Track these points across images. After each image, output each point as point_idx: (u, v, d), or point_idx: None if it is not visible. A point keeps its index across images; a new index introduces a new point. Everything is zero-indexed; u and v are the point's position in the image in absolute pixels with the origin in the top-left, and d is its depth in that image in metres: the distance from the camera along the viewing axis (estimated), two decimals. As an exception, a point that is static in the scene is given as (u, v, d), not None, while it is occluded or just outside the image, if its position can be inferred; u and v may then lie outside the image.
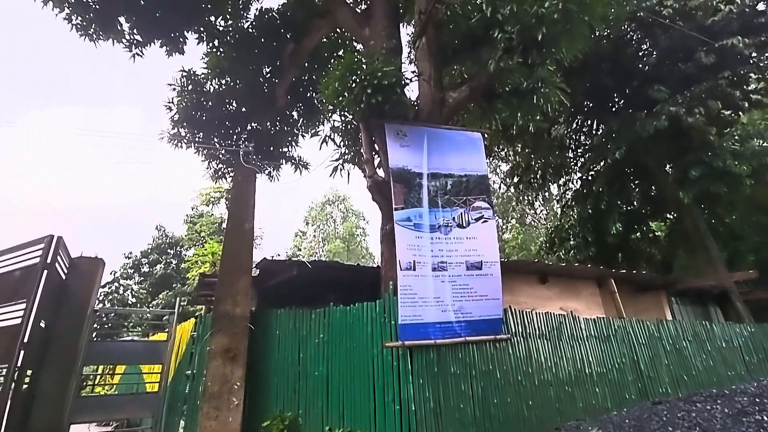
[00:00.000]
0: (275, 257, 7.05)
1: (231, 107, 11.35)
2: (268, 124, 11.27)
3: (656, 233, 15.04)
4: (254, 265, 6.95)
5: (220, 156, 11.57)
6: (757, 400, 4.48)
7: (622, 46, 13.13)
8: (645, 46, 13.12)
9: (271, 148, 11.36)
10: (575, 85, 10.51)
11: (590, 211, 13.49)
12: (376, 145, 6.75)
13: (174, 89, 10.93)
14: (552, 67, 7.02)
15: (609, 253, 13.04)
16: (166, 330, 8.34)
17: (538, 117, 7.12)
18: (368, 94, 6.03)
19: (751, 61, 11.96)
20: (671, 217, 14.81)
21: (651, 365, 7.07)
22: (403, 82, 6.13)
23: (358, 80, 6.17)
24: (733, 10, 11.38)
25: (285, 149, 12.21)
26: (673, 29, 12.43)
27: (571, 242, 13.87)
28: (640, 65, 12.95)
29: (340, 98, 6.54)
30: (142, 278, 28.65)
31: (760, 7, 12.39)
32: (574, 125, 16.23)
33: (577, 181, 16.13)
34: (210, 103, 11.02)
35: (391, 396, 5.32)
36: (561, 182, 16.75)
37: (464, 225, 6.37)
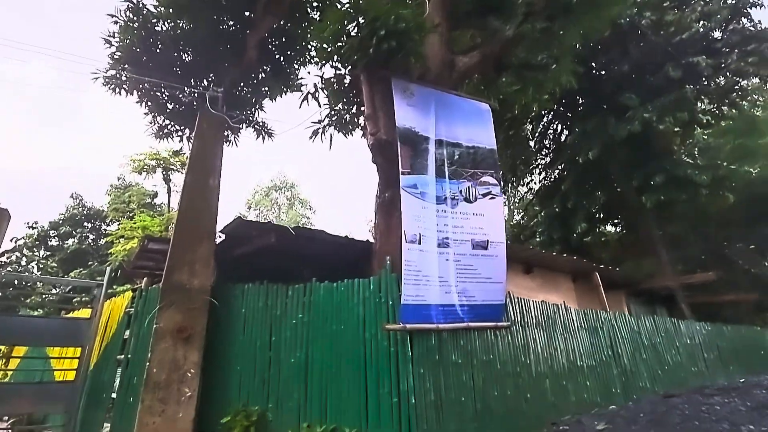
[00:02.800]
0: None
1: (186, 55, 9.75)
2: (231, 80, 9.81)
3: (607, 238, 15.78)
4: (220, 229, 5.75)
5: (168, 109, 9.92)
6: (775, 393, 4.42)
7: (597, 53, 13.50)
8: (616, 56, 13.56)
9: (233, 110, 9.94)
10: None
11: (557, 209, 13.75)
12: (376, 103, 5.89)
13: (116, 22, 9.11)
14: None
15: (571, 253, 13.34)
16: (90, 306, 6.81)
17: (545, 96, 6.74)
18: (380, 38, 5.18)
19: (704, 82, 12.75)
20: (621, 223, 15.64)
21: (632, 360, 7.01)
22: (420, 29, 5.32)
23: (367, 21, 5.29)
24: (700, 30, 12.13)
25: (248, 112, 10.85)
26: (644, 42, 13.01)
27: (538, 239, 14.08)
28: (611, 74, 13.39)
29: (341, 42, 5.63)
30: (49, 253, 24.72)
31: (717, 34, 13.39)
32: (540, 127, 16.56)
33: (539, 181, 16.49)
34: (160, 47, 9.33)
35: (387, 387, 4.55)
36: (524, 181, 17.06)
37: (471, 200, 5.76)
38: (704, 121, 11.65)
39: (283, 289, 5.55)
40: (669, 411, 4.41)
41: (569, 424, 5.24)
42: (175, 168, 20.62)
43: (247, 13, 9.52)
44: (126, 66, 9.17)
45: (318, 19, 9.14)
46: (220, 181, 5.96)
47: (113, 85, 9.29)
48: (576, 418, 5.41)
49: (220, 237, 6.06)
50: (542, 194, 15.84)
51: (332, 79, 6.94)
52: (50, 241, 24.83)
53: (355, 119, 7.72)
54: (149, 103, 9.84)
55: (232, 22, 9.71)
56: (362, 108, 7.26)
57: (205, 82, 9.86)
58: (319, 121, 7.49)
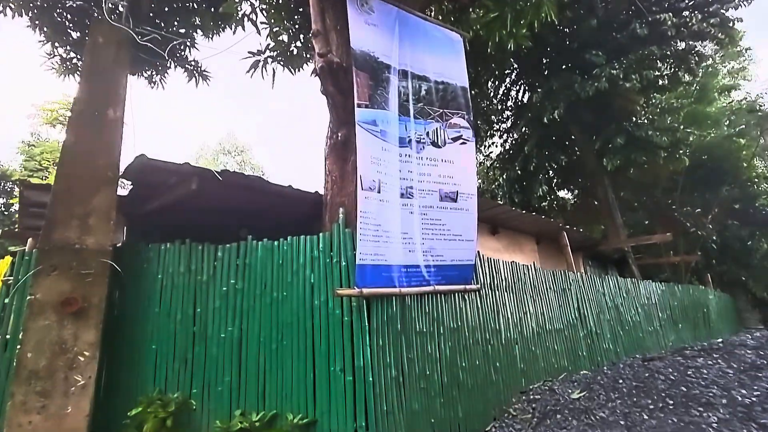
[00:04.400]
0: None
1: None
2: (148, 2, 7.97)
3: (564, 202, 15.85)
4: (121, 173, 4.46)
5: (72, 37, 7.99)
6: (761, 353, 4.15)
7: (562, 8, 12.82)
8: (582, 12, 12.97)
9: (157, 45, 8.15)
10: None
11: (519, 172, 13.39)
12: (328, 20, 4.75)
13: None
14: None
15: (531, 216, 13.18)
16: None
17: (524, 31, 5.89)
18: (331, -74, 4.01)
19: (666, 44, 12.47)
20: (577, 188, 15.71)
21: (597, 321, 6.76)
22: None
23: None
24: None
25: (178, 48, 9.06)
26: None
27: (499, 202, 13.74)
28: (577, 31, 12.83)
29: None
30: (-52, 220, 21.17)
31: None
32: (503, 88, 15.93)
33: (500, 145, 16.07)
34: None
35: (339, 364, 3.76)
36: (485, 144, 16.58)
37: (440, 144, 4.90)
38: (665, 84, 11.53)
39: (212, 249, 4.49)
40: (652, 376, 4.02)
41: (540, 392, 4.79)
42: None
43: None
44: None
45: None
46: (123, 113, 4.62)
47: (-5, 3, 7.25)
48: (547, 385, 4.97)
49: (128, 186, 4.80)
50: (503, 158, 15.46)
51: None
52: (-53, 205, 21.18)
53: (304, 53, 6.48)
54: (45, 29, 7.87)
55: None
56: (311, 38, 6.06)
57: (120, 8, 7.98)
58: (259, 52, 6.16)
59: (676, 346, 7.57)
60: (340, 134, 4.63)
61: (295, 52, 6.39)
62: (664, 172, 12.07)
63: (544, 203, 15.32)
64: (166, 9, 8.45)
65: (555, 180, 15.35)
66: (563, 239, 8.72)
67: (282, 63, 6.42)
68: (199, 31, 9.07)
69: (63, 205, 4.02)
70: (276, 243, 4.36)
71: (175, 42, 7.90)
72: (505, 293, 5.47)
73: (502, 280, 5.52)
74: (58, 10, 7.66)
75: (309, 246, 4.25)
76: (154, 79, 9.26)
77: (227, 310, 4.26)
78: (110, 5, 5.07)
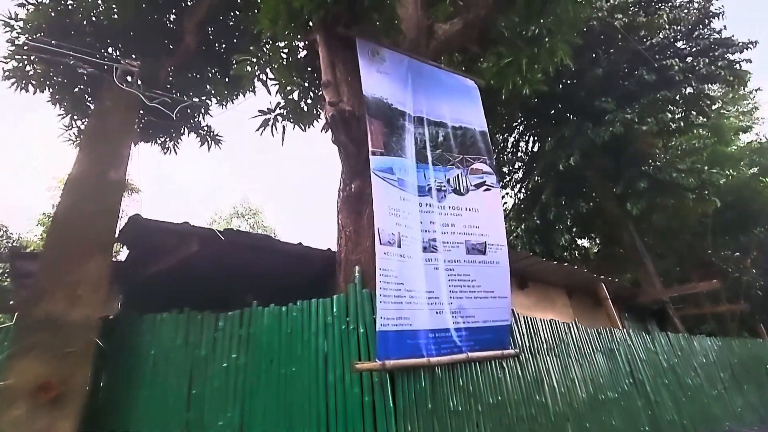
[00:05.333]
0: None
1: (112, 47, 8.16)
2: (166, 72, 8.23)
3: (586, 250, 15.08)
4: (116, 237, 4.10)
5: (89, 109, 8.21)
6: None
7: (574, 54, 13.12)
8: (586, 63, 13.21)
9: (170, 110, 8.30)
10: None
11: (537, 221, 12.88)
12: (338, 73, 4.62)
13: (23, 4, 7.49)
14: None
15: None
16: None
17: (539, 75, 5.74)
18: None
19: (675, 88, 12.41)
20: (598, 236, 15.02)
21: (655, 386, 5.83)
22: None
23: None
24: (669, 36, 12.01)
25: (189, 114, 9.25)
26: (614, 48, 12.78)
27: (529, 254, 13.12)
28: (583, 81, 12.98)
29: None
30: (-37, 293, 21.12)
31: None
32: (512, 139, 15.98)
33: (513, 195, 15.75)
34: (76, 33, 7.73)
35: (360, 458, 3.05)
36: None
37: (462, 191, 4.51)
38: (680, 126, 11.33)
39: (212, 319, 3.97)
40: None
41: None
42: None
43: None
44: (33, 58, 7.48)
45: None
46: (125, 175, 4.39)
47: (18, 79, 7.57)
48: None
49: (124, 251, 4.43)
50: (518, 209, 15.06)
51: (280, 48, 5.63)
52: (-37, 278, 21.25)
53: (314, 110, 6.42)
54: (65, 103, 8.14)
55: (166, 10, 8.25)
56: (321, 93, 6.01)
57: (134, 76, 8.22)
58: (269, 110, 6.10)
59: (760, 416, 6.50)
60: (353, 186, 4.28)
61: (305, 108, 6.33)
62: (693, 214, 11.45)
63: (566, 253, 14.59)
64: (180, 79, 8.79)
65: (575, 228, 14.75)
66: (602, 291, 7.95)
67: (292, 120, 6.33)
68: (212, 99, 9.42)
69: (50, 274, 3.63)
70: (284, 308, 3.84)
71: (184, 104, 7.98)
72: (547, 357, 4.74)
73: (542, 342, 4.82)
74: (79, 87, 7.95)
75: (322, 311, 3.73)
76: (167, 145, 9.41)
77: (227, 391, 3.64)
78: (122, 72, 5.07)
